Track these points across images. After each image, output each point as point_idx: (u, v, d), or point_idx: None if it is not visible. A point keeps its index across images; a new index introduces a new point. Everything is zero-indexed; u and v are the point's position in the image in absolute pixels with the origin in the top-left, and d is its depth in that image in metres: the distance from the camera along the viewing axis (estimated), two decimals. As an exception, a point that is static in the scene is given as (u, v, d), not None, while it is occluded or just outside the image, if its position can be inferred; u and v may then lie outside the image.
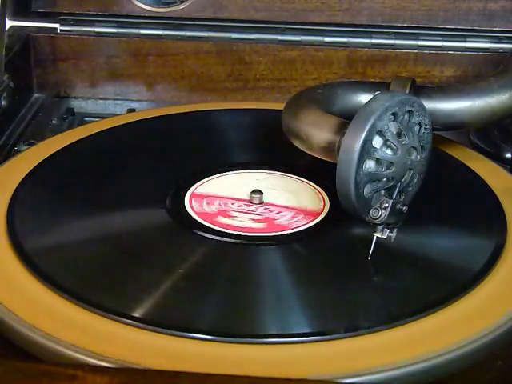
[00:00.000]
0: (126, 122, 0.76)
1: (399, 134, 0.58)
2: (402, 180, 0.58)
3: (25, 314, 0.51)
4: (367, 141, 0.56)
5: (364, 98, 0.68)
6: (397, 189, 0.58)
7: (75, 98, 0.88)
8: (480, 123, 0.69)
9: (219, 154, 0.72)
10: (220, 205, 0.64)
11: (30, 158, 0.69)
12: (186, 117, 0.78)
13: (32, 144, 0.76)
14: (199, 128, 0.76)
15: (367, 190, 0.57)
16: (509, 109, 0.67)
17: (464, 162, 0.70)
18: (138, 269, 0.56)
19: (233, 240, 0.59)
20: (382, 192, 0.58)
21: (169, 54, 0.87)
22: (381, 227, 0.57)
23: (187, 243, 0.59)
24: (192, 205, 0.63)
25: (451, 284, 0.55)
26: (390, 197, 0.57)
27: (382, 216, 0.56)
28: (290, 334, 0.50)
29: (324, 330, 0.51)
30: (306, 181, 0.67)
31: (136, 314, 0.51)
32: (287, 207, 0.63)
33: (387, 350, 0.49)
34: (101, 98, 0.88)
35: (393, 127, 0.58)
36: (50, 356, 0.49)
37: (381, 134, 0.57)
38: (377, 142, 0.57)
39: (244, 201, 0.65)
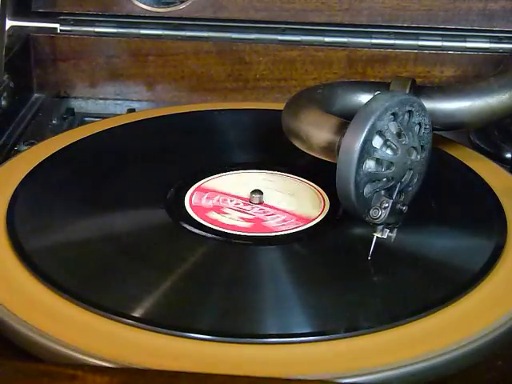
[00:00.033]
0: (126, 122, 0.76)
1: (399, 134, 0.58)
2: (402, 180, 0.58)
3: (25, 314, 0.51)
4: (367, 141, 0.56)
5: (364, 97, 0.68)
6: (397, 189, 0.58)
7: (75, 98, 0.88)
8: (480, 123, 0.69)
9: (219, 154, 0.72)
10: (218, 201, 0.64)
11: (29, 157, 0.69)
12: (186, 117, 0.78)
13: (32, 144, 0.76)
14: (199, 128, 0.76)
15: (367, 190, 0.57)
16: (509, 109, 0.67)
17: (464, 161, 0.70)
18: (138, 269, 0.56)
19: (206, 234, 0.60)
20: (382, 192, 0.58)
21: (169, 53, 0.87)
22: (381, 227, 0.57)
23: (187, 243, 0.59)
24: (192, 198, 0.64)
25: (451, 284, 0.55)
26: (390, 197, 0.57)
27: (382, 216, 0.56)
28: (289, 333, 0.50)
29: (324, 330, 0.51)
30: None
31: (136, 314, 0.51)
32: (284, 211, 0.63)
33: (387, 350, 0.49)
34: (101, 98, 0.88)
35: (393, 127, 0.58)
36: (50, 356, 0.49)
37: (381, 134, 0.57)
38: (377, 142, 0.57)
39: (244, 199, 0.65)
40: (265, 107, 0.79)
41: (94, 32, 0.87)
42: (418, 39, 0.85)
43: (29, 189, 0.64)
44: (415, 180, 0.60)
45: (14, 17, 0.86)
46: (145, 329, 0.50)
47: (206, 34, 0.86)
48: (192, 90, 0.87)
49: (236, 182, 0.67)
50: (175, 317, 0.52)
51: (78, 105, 0.87)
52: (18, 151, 0.75)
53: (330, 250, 0.59)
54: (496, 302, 0.54)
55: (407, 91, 0.67)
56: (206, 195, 0.65)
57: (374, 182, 0.57)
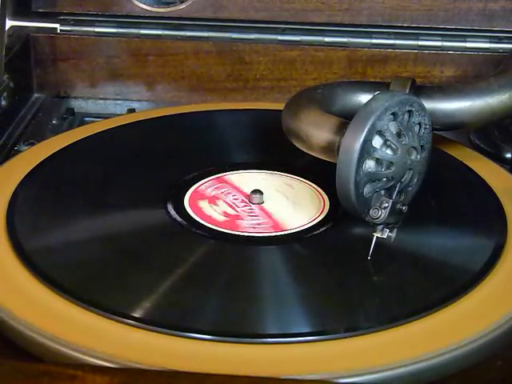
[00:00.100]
0: (126, 122, 0.76)
1: (399, 134, 0.58)
2: (402, 180, 0.58)
3: (25, 314, 0.51)
4: (367, 141, 0.56)
5: (364, 97, 0.68)
6: (397, 189, 0.58)
7: (75, 98, 0.88)
8: (480, 123, 0.69)
9: (219, 154, 0.72)
10: (222, 192, 0.65)
11: (29, 157, 0.69)
12: (186, 117, 0.78)
13: (32, 144, 0.76)
14: (199, 128, 0.76)
15: (367, 189, 0.57)
16: (509, 109, 0.67)
17: (464, 161, 0.70)
18: (138, 269, 0.56)
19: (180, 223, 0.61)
20: (382, 192, 0.58)
21: (169, 54, 0.87)
22: (381, 227, 0.57)
23: (187, 243, 0.59)
24: (203, 185, 0.66)
25: (451, 284, 0.55)
26: (390, 197, 0.57)
27: (382, 216, 0.56)
28: (289, 333, 0.50)
29: (324, 330, 0.51)
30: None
31: (136, 314, 0.51)
32: (270, 216, 0.63)
33: (387, 350, 0.49)
34: (101, 98, 0.88)
35: (393, 127, 0.58)
36: (49, 356, 0.49)
37: (381, 133, 0.57)
38: (377, 141, 0.57)
39: (246, 196, 0.65)
40: (265, 107, 0.79)
41: (94, 32, 0.87)
42: (417, 39, 0.85)
43: (29, 189, 0.65)
44: (415, 180, 0.60)
45: (14, 17, 0.86)
46: (145, 329, 0.50)
47: (206, 34, 0.86)
48: (192, 90, 0.87)
49: (254, 180, 0.68)
50: (175, 317, 0.52)
51: (78, 105, 0.87)
52: (18, 151, 0.75)
53: (329, 250, 0.59)
54: (496, 301, 0.54)
55: (407, 91, 0.67)
56: (218, 185, 0.66)
57: (373, 181, 0.57)
